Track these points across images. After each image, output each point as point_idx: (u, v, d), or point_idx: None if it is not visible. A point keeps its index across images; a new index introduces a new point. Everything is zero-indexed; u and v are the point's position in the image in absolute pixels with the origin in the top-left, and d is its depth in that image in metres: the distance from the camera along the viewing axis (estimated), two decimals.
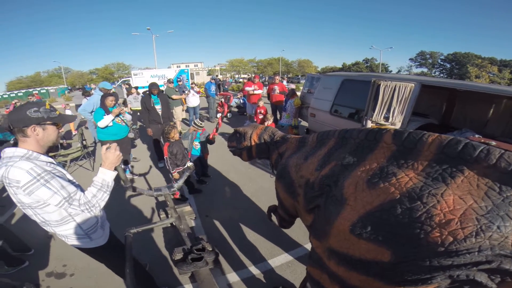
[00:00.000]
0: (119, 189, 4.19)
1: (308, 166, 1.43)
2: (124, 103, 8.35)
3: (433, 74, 44.93)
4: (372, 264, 0.96)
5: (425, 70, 47.28)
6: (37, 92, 16.52)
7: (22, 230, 2.93)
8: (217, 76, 19.90)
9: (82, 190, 1.38)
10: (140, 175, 4.76)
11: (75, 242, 1.53)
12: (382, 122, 3.42)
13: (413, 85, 3.15)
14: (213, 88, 8.78)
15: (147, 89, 5.01)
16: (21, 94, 19.90)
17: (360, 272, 1.02)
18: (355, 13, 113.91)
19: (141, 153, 6.09)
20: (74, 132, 7.95)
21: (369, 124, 3.49)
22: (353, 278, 1.05)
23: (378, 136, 1.13)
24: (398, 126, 3.39)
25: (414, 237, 0.86)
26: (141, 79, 15.46)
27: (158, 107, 4.84)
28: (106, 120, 3.91)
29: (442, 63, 46.53)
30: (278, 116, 7.51)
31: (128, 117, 4.45)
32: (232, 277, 2.33)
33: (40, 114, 1.31)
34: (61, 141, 6.23)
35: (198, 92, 8.42)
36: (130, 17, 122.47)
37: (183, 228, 2.22)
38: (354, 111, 4.30)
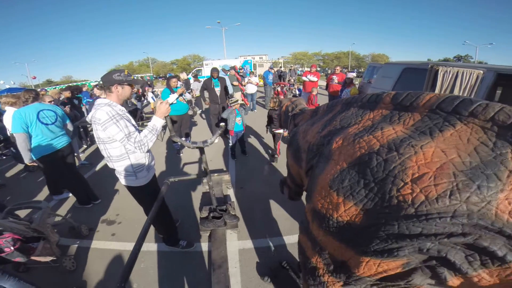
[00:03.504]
0: (173, 150, 5.03)
1: (313, 131, 1.42)
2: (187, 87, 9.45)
3: None
4: (346, 227, 0.88)
5: None
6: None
7: (97, 184, 3.77)
8: (280, 67, 20.07)
9: (139, 133, 1.82)
10: (197, 146, 5.41)
11: (125, 180, 1.95)
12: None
13: (481, 72, 2.62)
14: (270, 77, 8.97)
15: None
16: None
17: (336, 237, 0.93)
18: (444, 1, 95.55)
19: (200, 128, 7.05)
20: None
21: None
22: (329, 244, 0.99)
23: (379, 98, 1.06)
24: None
25: (385, 193, 0.75)
26: (210, 68, 17.01)
27: (217, 89, 5.44)
28: (171, 98, 4.60)
29: None
30: None
31: (188, 96, 5.09)
32: (246, 244, 2.45)
33: (121, 77, 1.79)
34: (142, 114, 7.71)
35: (256, 84, 8.78)
36: (205, 12, 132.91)
37: (213, 187, 2.46)
38: None
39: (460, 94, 2.81)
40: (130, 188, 2.02)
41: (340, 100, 1.38)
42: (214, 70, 5.48)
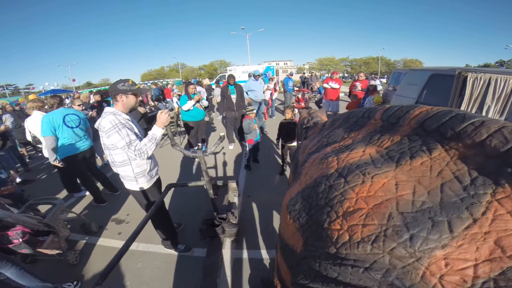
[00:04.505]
0: (185, 157, 5.11)
1: (308, 146, 1.36)
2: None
3: None
4: (292, 253, 0.79)
5: None
6: (162, 83, 20.79)
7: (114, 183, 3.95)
8: (304, 73, 19.89)
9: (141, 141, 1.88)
10: (213, 153, 5.47)
11: (127, 184, 2.04)
12: (498, 119, 2.67)
13: None
14: (290, 83, 8.87)
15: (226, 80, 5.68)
16: (149, 83, 25.11)
17: (286, 261, 0.85)
18: (484, 2, 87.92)
19: (219, 134, 7.02)
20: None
21: None
22: (282, 267, 0.91)
23: (371, 114, 0.94)
24: None
25: (320, 224, 0.66)
26: (234, 74, 17.46)
27: (233, 96, 5.43)
28: (188, 105, 4.76)
29: None
30: None
31: (205, 103, 5.18)
32: (242, 253, 2.40)
33: (125, 87, 1.85)
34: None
35: (274, 90, 8.72)
36: (230, 17, 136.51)
37: (217, 194, 2.45)
38: None
39: (493, 104, 2.51)
40: (132, 192, 2.10)
41: (343, 114, 1.30)
42: (231, 77, 5.51)
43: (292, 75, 9.22)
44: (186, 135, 6.18)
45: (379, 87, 6.45)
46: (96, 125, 1.87)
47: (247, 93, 6.47)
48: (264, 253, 2.40)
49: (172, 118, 6.81)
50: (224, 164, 4.85)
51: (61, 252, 2.28)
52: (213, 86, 10.66)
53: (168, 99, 10.72)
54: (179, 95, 12.34)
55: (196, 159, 4.97)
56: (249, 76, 9.21)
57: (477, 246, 0.46)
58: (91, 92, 8.77)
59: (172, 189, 3.02)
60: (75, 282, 2.11)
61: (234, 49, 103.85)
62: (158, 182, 2.25)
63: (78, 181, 3.68)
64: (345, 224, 0.59)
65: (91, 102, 6.15)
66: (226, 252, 2.38)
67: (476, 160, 0.53)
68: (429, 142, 0.64)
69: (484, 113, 2.54)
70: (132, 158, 1.92)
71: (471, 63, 44.61)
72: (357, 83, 7.02)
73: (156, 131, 1.89)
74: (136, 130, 1.96)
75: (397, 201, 0.56)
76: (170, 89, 12.93)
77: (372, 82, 6.28)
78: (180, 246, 2.44)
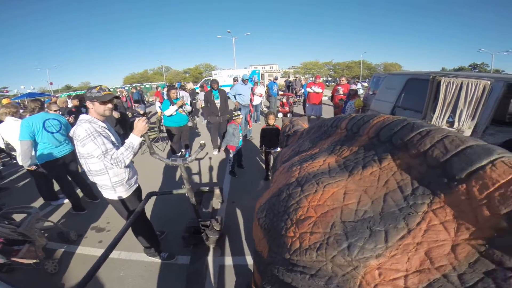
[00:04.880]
0: (167, 165, 4.99)
1: (286, 154, 1.40)
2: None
3: None
4: (260, 258, 0.81)
5: None
6: (142, 87, 20.41)
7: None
8: (288, 77, 20.14)
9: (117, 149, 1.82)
10: (196, 159, 5.39)
11: (105, 193, 1.99)
12: (445, 128, 2.81)
13: (488, 82, 2.47)
14: (275, 87, 8.97)
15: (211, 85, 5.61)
16: (131, 87, 24.29)
17: (256, 265, 0.87)
18: (459, 8, 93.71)
19: (203, 139, 6.88)
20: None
21: None
22: (255, 272, 0.93)
23: (339, 123, 0.99)
24: (467, 133, 2.72)
25: (279, 231, 0.68)
26: (219, 78, 17.51)
27: (217, 101, 5.38)
28: (171, 110, 4.68)
29: None
30: None
31: (188, 108, 5.10)
32: (227, 260, 2.40)
33: (91, 95, 1.79)
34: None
35: (260, 95, 8.74)
36: (216, 20, 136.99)
37: (201, 201, 2.42)
38: (420, 115, 3.66)
39: (465, 108, 2.66)
40: (110, 201, 2.05)
41: (318, 123, 1.34)
42: (214, 81, 5.48)
43: (276, 79, 9.36)
44: (169, 141, 6.09)
45: (361, 91, 6.64)
46: (71, 133, 1.80)
47: (234, 97, 6.46)
48: (249, 259, 2.39)
49: (153, 123, 6.70)
50: (209, 169, 4.81)
51: (38, 261, 2.20)
52: (198, 90, 10.56)
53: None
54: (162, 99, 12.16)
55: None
56: (234, 80, 9.22)
57: (409, 257, 0.47)
58: (69, 96, 8.45)
59: (154, 196, 2.96)
60: None
61: (220, 53, 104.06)
62: (138, 191, 2.20)
63: (55, 189, 3.54)
64: (297, 232, 0.61)
65: (69, 106, 5.91)
66: (211, 259, 2.36)
67: (419, 170, 0.55)
68: (381, 152, 0.66)
69: (457, 117, 2.68)
70: (109, 167, 1.86)
71: (447, 66, 47.12)
72: (339, 88, 7.19)
73: (133, 139, 1.83)
74: (113, 138, 1.90)
75: (342, 210, 0.58)
76: (159, 92, 12.70)
77: (353, 87, 6.49)
78: (163, 254, 2.39)
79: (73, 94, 10.88)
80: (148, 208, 3.32)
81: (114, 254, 2.37)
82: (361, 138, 0.78)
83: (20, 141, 2.88)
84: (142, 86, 20.90)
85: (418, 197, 0.51)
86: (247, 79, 6.74)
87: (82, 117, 1.82)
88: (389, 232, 0.49)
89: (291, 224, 0.64)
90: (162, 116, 7.27)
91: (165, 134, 6.64)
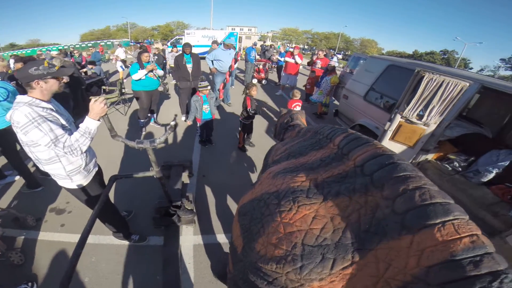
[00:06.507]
0: (137, 130, 4.60)
1: (279, 152, 1.35)
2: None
3: None
4: (235, 251, 0.91)
5: None
6: (102, 44, 17.89)
7: None
8: (264, 42, 19.10)
9: (70, 135, 1.54)
10: (162, 125, 5.05)
11: (60, 182, 1.75)
12: (414, 120, 2.93)
13: (467, 84, 2.55)
14: (253, 53, 8.50)
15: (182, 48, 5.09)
16: (90, 44, 20.96)
17: (231, 255, 0.96)
18: None
19: (171, 106, 6.48)
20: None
21: (398, 119, 3.03)
22: (230, 260, 1.01)
23: (334, 136, 0.97)
24: (432, 128, 2.89)
25: (252, 236, 0.78)
26: (192, 38, 15.89)
27: (189, 66, 4.98)
28: (140, 74, 4.19)
29: None
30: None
31: (160, 72, 4.59)
32: (201, 239, 2.40)
33: (40, 71, 1.49)
34: (104, 87, 6.97)
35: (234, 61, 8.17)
36: None
37: (165, 183, 2.27)
38: (392, 102, 3.76)
39: (438, 105, 2.76)
40: (68, 189, 1.81)
41: (316, 128, 1.28)
42: (187, 45, 4.99)
43: (255, 45, 8.80)
44: (131, 104, 5.53)
45: (335, 63, 6.63)
46: (7, 117, 1.47)
47: (212, 63, 5.95)
48: (222, 237, 2.43)
49: (113, 85, 5.94)
50: (176, 138, 4.56)
51: (0, 253, 1.98)
52: (168, 50, 9.48)
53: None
54: (122, 60, 10.73)
55: (143, 132, 4.45)
56: (214, 42, 8.44)
57: (343, 284, 0.57)
58: (13, 56, 6.95)
59: None
60: (29, 284, 1.86)
61: (195, 10, 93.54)
62: (98, 175, 1.98)
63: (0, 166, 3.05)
64: (266, 242, 0.70)
65: (11, 70, 4.68)
66: (185, 239, 2.33)
67: (385, 211, 0.58)
68: (359, 184, 0.68)
69: (427, 112, 2.79)
70: (61, 154, 1.59)
71: (420, 48, 49.11)
72: (318, 61, 7.11)
73: (90, 123, 1.55)
74: (63, 121, 1.59)
75: (306, 233, 0.65)
76: (149, 46, 11.23)
77: (332, 63, 6.42)
78: (134, 236, 2.29)
79: (19, 53, 8.95)
80: (112, 187, 3.05)
81: None
82: (348, 163, 0.79)
83: None
84: (103, 44, 18.23)
85: (372, 236, 0.56)
86: (232, 44, 6.15)
87: (19, 98, 1.48)
88: (337, 261, 0.58)
89: (263, 233, 0.74)
90: (123, 77, 6.54)
91: (128, 96, 6.05)
